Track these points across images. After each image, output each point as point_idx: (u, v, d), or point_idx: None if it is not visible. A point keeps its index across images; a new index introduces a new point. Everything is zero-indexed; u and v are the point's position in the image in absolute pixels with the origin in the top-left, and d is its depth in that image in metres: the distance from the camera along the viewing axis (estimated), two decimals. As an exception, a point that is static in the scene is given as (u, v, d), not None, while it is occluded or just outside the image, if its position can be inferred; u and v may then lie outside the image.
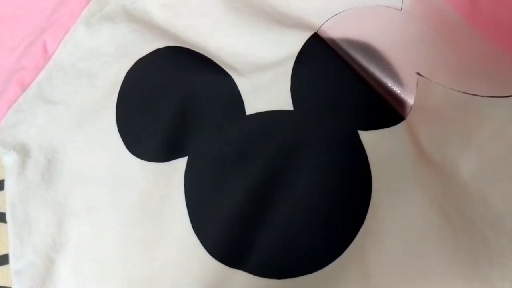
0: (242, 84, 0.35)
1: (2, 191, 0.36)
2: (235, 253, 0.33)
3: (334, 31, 0.35)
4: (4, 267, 0.37)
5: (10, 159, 0.36)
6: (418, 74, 0.33)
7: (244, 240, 0.33)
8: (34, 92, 0.37)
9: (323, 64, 0.34)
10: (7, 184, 0.36)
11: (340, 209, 0.33)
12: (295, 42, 0.35)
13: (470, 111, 0.33)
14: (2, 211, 0.36)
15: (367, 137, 0.33)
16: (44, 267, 0.35)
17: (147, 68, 0.36)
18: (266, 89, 0.35)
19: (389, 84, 0.34)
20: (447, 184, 0.33)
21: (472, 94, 0.32)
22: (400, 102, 0.34)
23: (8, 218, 0.36)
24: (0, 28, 0.38)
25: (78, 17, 0.37)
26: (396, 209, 0.32)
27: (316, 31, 0.35)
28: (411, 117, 0.33)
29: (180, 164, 0.35)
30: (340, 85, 0.34)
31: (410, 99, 0.33)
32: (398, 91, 0.33)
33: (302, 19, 0.35)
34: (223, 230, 0.34)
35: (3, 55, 0.37)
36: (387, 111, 0.34)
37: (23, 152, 0.36)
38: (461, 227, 0.32)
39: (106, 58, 0.37)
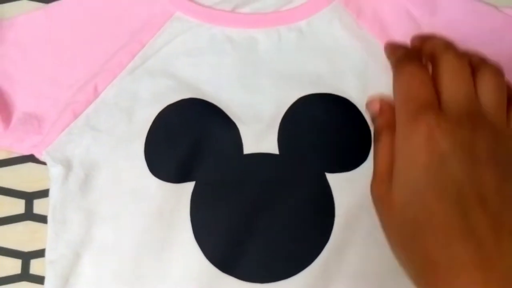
0: (243, 130, 0.43)
1: (46, 198, 0.43)
2: (228, 260, 0.40)
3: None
4: (40, 259, 0.42)
5: (57, 171, 0.42)
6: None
7: (235, 250, 0.41)
8: (84, 121, 0.43)
9: (305, 120, 0.43)
10: (51, 191, 0.42)
11: (309, 231, 0.41)
12: (285, 101, 0.43)
13: None
14: (45, 214, 0.42)
15: (332, 178, 0.42)
16: (72, 259, 0.41)
17: (173, 112, 0.43)
18: (260, 136, 0.43)
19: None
20: None
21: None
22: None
23: (49, 218, 0.42)
24: (63, 68, 0.44)
25: (124, 68, 0.44)
26: (353, 230, 0.40)
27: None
28: None
29: (189, 187, 0.42)
30: (316, 137, 0.42)
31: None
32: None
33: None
34: (219, 241, 0.41)
35: (62, 90, 0.43)
36: (350, 158, 0.42)
37: (68, 166, 0.42)
38: None
39: (143, 101, 0.43)
